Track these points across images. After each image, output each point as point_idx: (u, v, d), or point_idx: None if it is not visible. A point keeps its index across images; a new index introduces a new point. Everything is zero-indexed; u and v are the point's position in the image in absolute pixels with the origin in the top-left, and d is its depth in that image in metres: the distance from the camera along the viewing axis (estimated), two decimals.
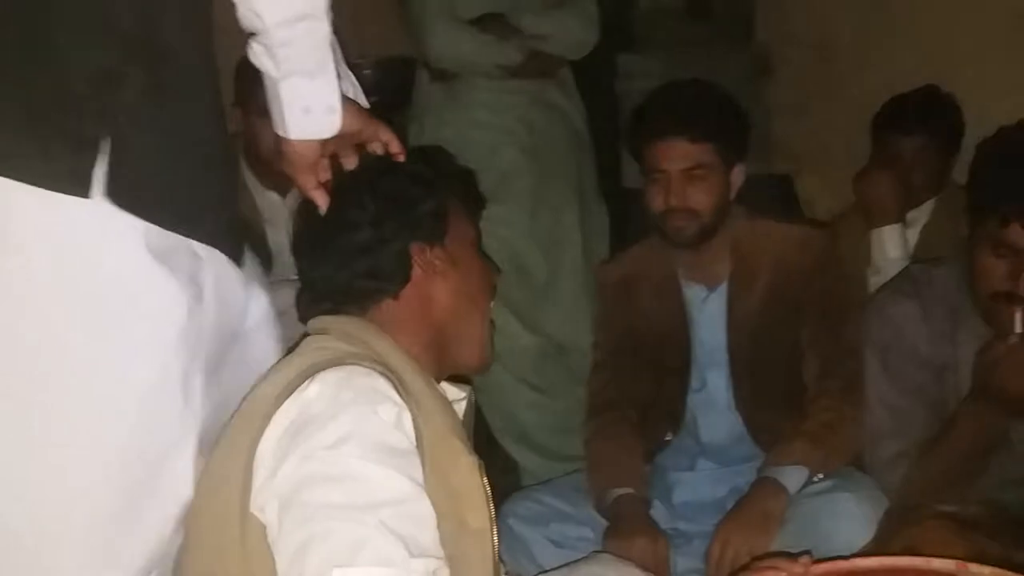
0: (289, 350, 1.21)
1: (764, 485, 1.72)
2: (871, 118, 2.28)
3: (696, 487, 1.90)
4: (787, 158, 3.10)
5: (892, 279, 1.83)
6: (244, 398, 1.13)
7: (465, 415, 1.25)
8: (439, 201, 1.22)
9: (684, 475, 1.92)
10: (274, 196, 2.37)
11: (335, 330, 1.17)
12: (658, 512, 1.83)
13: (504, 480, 2.40)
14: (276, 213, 2.37)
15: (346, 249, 1.19)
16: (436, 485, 1.05)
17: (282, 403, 1.05)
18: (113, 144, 1.01)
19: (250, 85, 2.15)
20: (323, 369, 1.06)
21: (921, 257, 2.13)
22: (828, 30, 2.96)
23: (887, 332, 1.68)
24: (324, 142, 1.16)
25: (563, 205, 2.58)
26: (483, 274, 1.28)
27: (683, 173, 1.78)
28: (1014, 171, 1.48)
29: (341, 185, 1.22)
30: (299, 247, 1.26)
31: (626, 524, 1.74)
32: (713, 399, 1.92)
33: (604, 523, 1.79)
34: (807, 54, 3.04)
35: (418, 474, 1.03)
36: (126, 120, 1.02)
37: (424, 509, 1.01)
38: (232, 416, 1.13)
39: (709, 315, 1.89)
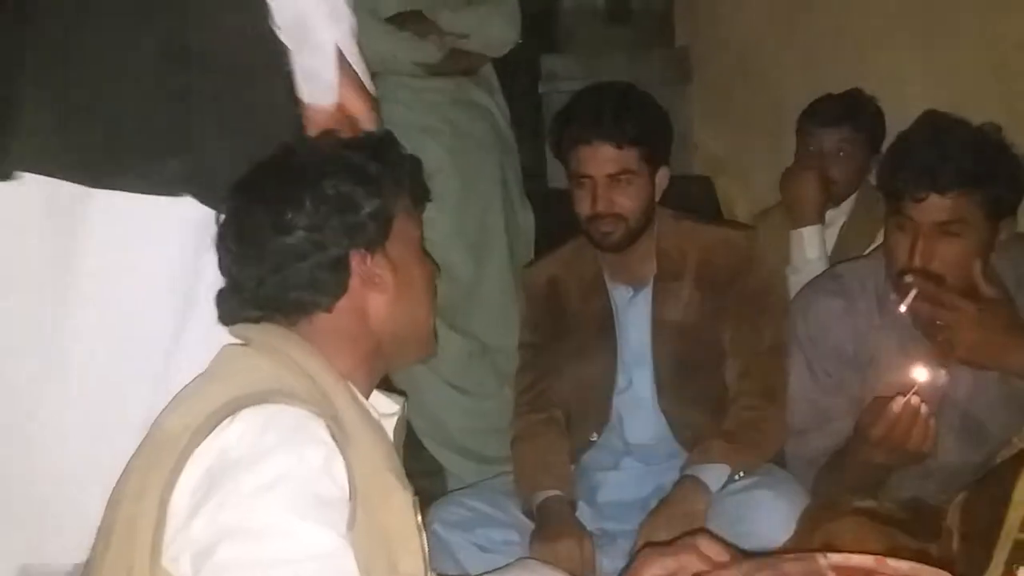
0: None
1: (686, 484, 1.74)
2: (788, 123, 2.34)
3: (621, 486, 1.91)
4: (707, 161, 3.16)
5: (818, 277, 1.85)
6: (155, 423, 1.05)
7: (396, 429, 1.19)
8: (385, 203, 1.13)
9: (609, 474, 1.92)
10: None
11: (260, 344, 1.08)
12: (583, 513, 1.84)
13: (429, 484, 2.38)
14: None
15: (278, 253, 1.08)
16: (367, 528, 0.99)
17: (200, 441, 0.96)
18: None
19: None
20: (247, 405, 0.97)
21: (841, 255, 2.18)
22: (747, 37, 3.02)
23: (812, 330, 1.71)
24: (333, 116, 1.27)
25: (488, 205, 2.56)
26: (426, 276, 1.21)
27: (609, 178, 1.79)
28: (915, 147, 1.55)
29: (282, 178, 1.12)
30: (225, 241, 1.13)
31: (552, 526, 1.74)
32: (639, 398, 1.93)
33: (530, 526, 1.78)
34: (726, 60, 3.10)
35: (343, 525, 0.96)
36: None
37: (348, 565, 0.94)
38: (142, 444, 1.04)
39: (635, 315, 1.91)
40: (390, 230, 1.14)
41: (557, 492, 1.79)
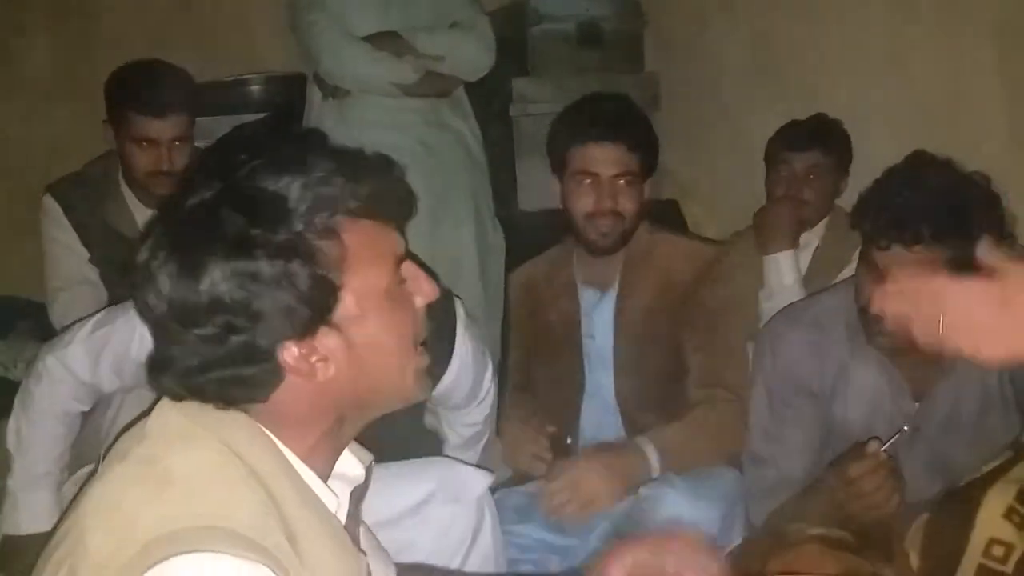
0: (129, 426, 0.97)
1: (635, 451, 1.78)
2: (755, 148, 2.38)
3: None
4: (675, 185, 3.19)
5: (790, 308, 1.86)
6: (79, 510, 0.89)
7: (355, 495, 1.02)
8: (326, 267, 0.89)
9: None
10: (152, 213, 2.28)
11: (201, 431, 0.90)
12: (534, 526, 1.84)
13: None
14: None
15: (192, 343, 0.89)
16: None
17: None
18: None
19: (119, 109, 2.14)
20: (180, 551, 0.81)
21: (813, 279, 2.22)
22: (714, 63, 3.07)
23: (779, 362, 1.72)
24: None
25: (460, 227, 2.56)
26: (401, 324, 0.97)
27: (614, 178, 1.85)
28: (892, 196, 1.56)
29: (181, 249, 0.88)
30: (138, 303, 0.92)
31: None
32: (603, 400, 1.97)
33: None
34: (694, 86, 3.14)
35: None
36: None
37: None
38: (57, 540, 0.89)
39: (600, 318, 1.96)
40: (335, 299, 0.91)
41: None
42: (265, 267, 0.87)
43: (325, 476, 0.98)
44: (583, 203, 1.87)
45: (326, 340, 0.92)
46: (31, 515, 1.71)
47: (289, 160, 0.92)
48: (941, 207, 1.49)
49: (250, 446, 0.91)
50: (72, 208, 2.25)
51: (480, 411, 1.88)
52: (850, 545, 1.55)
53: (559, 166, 1.92)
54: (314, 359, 0.92)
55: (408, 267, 0.99)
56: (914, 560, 1.56)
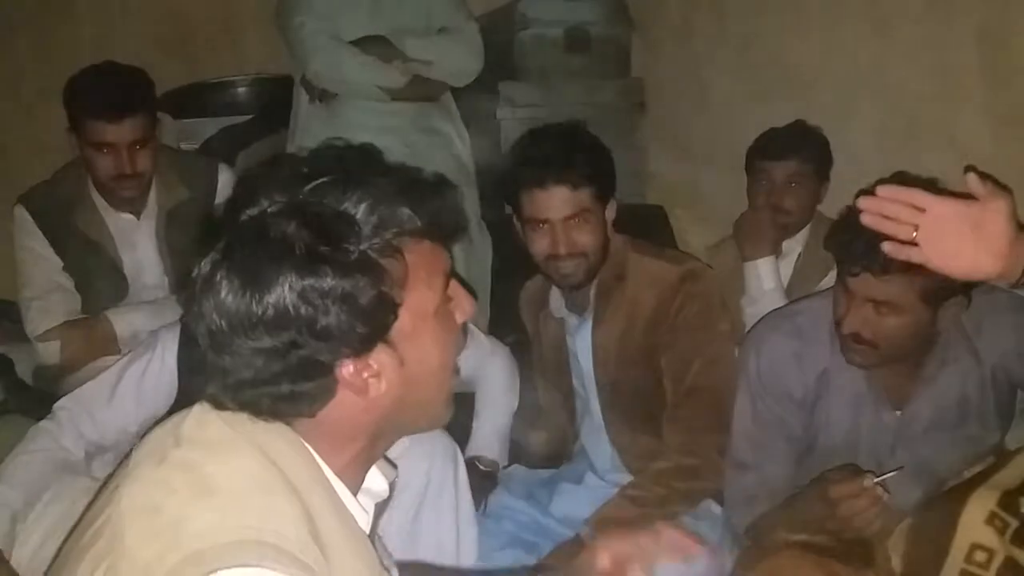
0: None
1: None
2: (741, 154, 2.39)
3: (578, 500, 1.92)
4: (661, 190, 3.20)
5: (774, 315, 1.86)
6: (87, 517, 0.90)
7: (379, 505, 1.04)
8: (389, 285, 0.90)
9: (569, 486, 1.97)
10: (127, 217, 2.28)
11: (243, 441, 0.90)
12: (526, 515, 1.88)
13: None
14: (130, 234, 2.29)
15: (249, 356, 0.89)
16: None
17: None
18: None
19: (77, 115, 2.13)
20: (225, 566, 0.81)
21: (797, 286, 2.23)
22: (699, 69, 3.08)
23: (762, 368, 1.72)
24: None
25: None
26: (447, 342, 0.98)
27: (566, 220, 1.79)
28: (853, 220, 1.49)
29: (246, 267, 0.88)
30: (197, 329, 0.93)
31: None
32: (595, 424, 1.97)
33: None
34: (680, 91, 3.16)
35: None
36: None
37: None
38: (95, 533, 0.90)
39: (581, 343, 1.94)
40: (395, 316, 0.92)
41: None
42: (333, 284, 0.88)
43: (355, 491, 0.99)
44: (540, 247, 1.81)
45: (380, 356, 0.93)
46: None
47: (354, 179, 0.92)
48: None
49: (288, 458, 0.91)
50: (43, 216, 2.24)
51: (495, 361, 2.02)
52: (832, 550, 1.56)
53: (514, 209, 1.85)
54: (367, 375, 0.92)
55: (452, 285, 1.01)
56: (896, 565, 1.57)
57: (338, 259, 0.88)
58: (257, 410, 0.92)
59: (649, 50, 3.29)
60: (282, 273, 0.87)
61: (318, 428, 0.94)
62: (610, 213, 1.87)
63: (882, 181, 1.38)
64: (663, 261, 1.91)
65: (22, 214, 2.26)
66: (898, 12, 2.34)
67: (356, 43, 2.50)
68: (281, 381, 0.90)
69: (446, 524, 1.68)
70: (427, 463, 1.66)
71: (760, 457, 1.72)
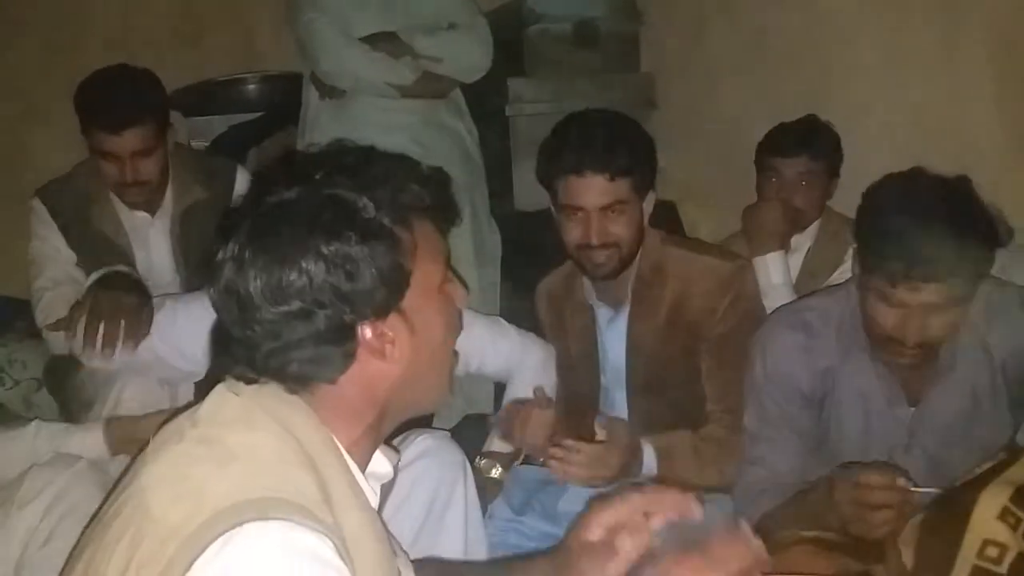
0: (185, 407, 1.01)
1: (638, 447, 1.77)
2: (751, 150, 2.38)
3: (585, 498, 1.91)
4: (671, 186, 3.19)
5: (784, 309, 1.85)
6: (137, 485, 0.92)
7: (384, 487, 1.09)
8: (398, 256, 0.97)
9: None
10: (141, 215, 2.29)
11: (261, 415, 0.95)
12: (535, 516, 1.86)
13: None
14: (144, 232, 2.30)
15: (275, 322, 0.95)
16: None
17: (198, 553, 0.84)
18: None
19: (83, 123, 2.13)
20: (251, 519, 0.85)
21: (806, 282, 2.21)
22: (709, 64, 3.07)
23: (770, 362, 1.71)
24: None
25: (456, 228, 2.57)
26: (449, 320, 1.05)
27: (602, 210, 1.76)
28: (899, 230, 1.48)
29: (273, 234, 0.95)
30: (221, 299, 0.98)
31: None
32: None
33: None
34: (690, 86, 3.15)
35: None
36: None
37: None
38: (118, 506, 0.93)
39: (614, 336, 1.92)
40: (408, 283, 0.98)
41: None
42: (356, 249, 0.95)
43: (363, 470, 1.04)
44: (573, 236, 1.80)
45: (395, 323, 0.99)
46: None
47: (362, 167, 1.00)
48: (950, 244, 1.44)
49: (306, 430, 0.96)
50: (59, 211, 2.25)
51: (529, 359, 1.98)
52: (843, 546, 1.55)
53: (551, 195, 1.84)
54: (386, 339, 0.98)
55: (453, 278, 1.07)
56: (908, 560, 1.56)
57: (359, 226, 0.95)
58: (283, 376, 0.97)
59: (659, 45, 3.28)
60: (309, 241, 0.94)
61: (336, 398, 0.99)
62: (647, 206, 1.85)
63: (892, 175, 1.38)
64: (711, 255, 1.90)
65: (38, 206, 2.27)
66: (910, 9, 2.33)
67: (366, 40, 2.51)
68: (307, 344, 0.95)
69: (452, 541, 1.64)
70: (435, 479, 1.62)
71: (768, 451, 1.71)
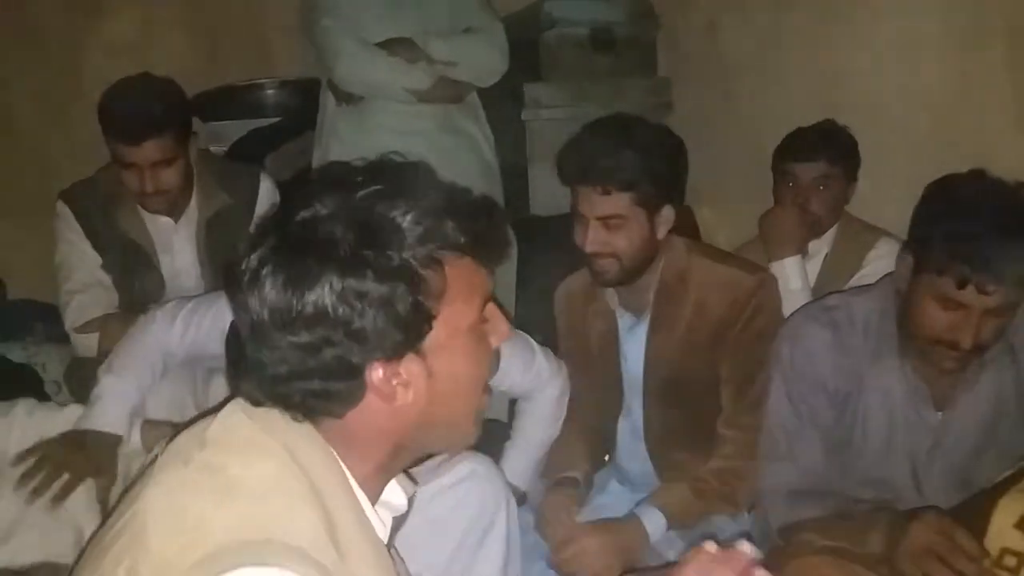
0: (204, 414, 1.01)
1: (631, 521, 1.75)
2: (768, 154, 2.37)
3: (602, 508, 1.91)
4: (688, 190, 3.18)
5: (810, 306, 1.83)
6: (141, 508, 0.91)
7: (397, 520, 1.06)
8: (426, 295, 0.93)
9: (595, 496, 1.95)
10: (164, 219, 2.30)
11: (270, 441, 0.93)
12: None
13: None
14: (168, 237, 2.31)
15: (285, 350, 0.93)
16: None
17: None
18: None
19: (104, 132, 2.14)
20: (244, 564, 0.84)
21: (824, 287, 2.18)
22: (726, 68, 3.07)
23: (797, 357, 1.69)
24: None
25: None
26: (478, 361, 1.00)
27: (600, 220, 1.75)
28: (970, 233, 1.45)
29: (291, 263, 0.92)
30: (238, 320, 0.97)
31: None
32: (634, 427, 1.94)
33: None
34: (707, 91, 3.14)
35: None
36: None
37: None
38: (117, 532, 0.92)
39: (634, 344, 1.90)
40: (428, 328, 0.94)
41: (568, 474, 1.88)
42: (371, 287, 0.90)
43: (374, 501, 1.01)
44: (578, 240, 1.79)
45: (411, 365, 0.95)
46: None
47: (404, 190, 0.95)
48: (1019, 249, 1.43)
49: (315, 461, 0.93)
50: (84, 214, 2.26)
51: (548, 390, 1.95)
52: (860, 556, 1.54)
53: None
54: (395, 382, 0.95)
55: (490, 307, 1.02)
56: None
57: (380, 264, 0.91)
58: (288, 404, 0.95)
59: (675, 49, 3.28)
60: (324, 272, 0.90)
61: (344, 432, 0.96)
62: (662, 218, 1.78)
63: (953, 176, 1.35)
64: (734, 267, 1.86)
65: (63, 209, 2.28)
66: (926, 9, 2.31)
67: (381, 45, 2.51)
68: (313, 377, 0.92)
69: (489, 573, 1.62)
70: (476, 505, 1.60)
71: (795, 447, 1.69)
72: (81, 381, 2.27)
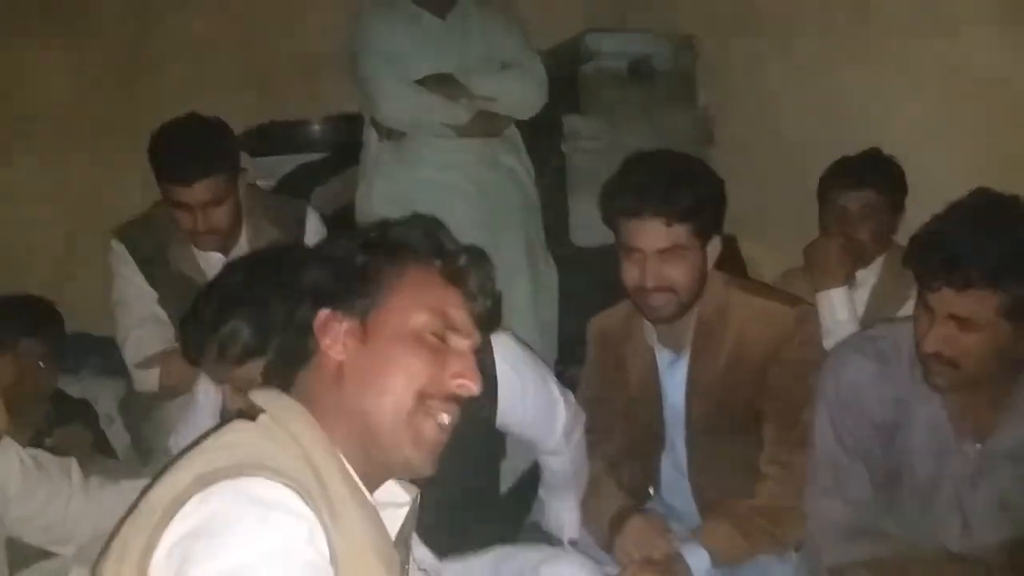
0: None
1: (681, 567, 1.71)
2: (812, 183, 2.35)
3: None
4: (731, 220, 3.16)
5: (854, 337, 1.81)
6: (144, 490, 1.03)
7: (405, 522, 1.13)
8: (374, 264, 1.09)
9: None
10: (215, 256, 2.33)
11: (274, 428, 1.04)
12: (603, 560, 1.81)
13: None
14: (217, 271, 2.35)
15: (252, 305, 1.22)
16: None
17: (176, 511, 0.94)
18: None
19: (155, 174, 2.18)
20: (223, 478, 0.95)
21: (872, 317, 2.16)
22: (767, 97, 3.06)
23: (842, 390, 1.68)
24: None
25: (513, 265, 2.58)
26: (408, 365, 1.08)
27: (659, 253, 1.72)
28: (936, 235, 1.50)
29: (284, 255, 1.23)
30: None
31: (621, 518, 1.80)
32: (676, 461, 1.92)
33: None
34: (748, 120, 3.13)
35: None
36: None
37: None
38: (130, 509, 1.03)
39: (675, 380, 1.88)
40: (376, 297, 1.08)
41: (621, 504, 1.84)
42: (332, 250, 1.12)
43: (368, 487, 1.10)
44: (630, 277, 1.76)
45: (351, 324, 1.08)
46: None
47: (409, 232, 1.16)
48: (995, 251, 1.43)
49: (305, 431, 1.04)
50: (138, 250, 2.31)
51: (561, 441, 1.85)
52: None
53: (614, 233, 1.80)
54: (338, 332, 1.08)
55: (466, 350, 1.12)
56: None
57: (352, 235, 1.13)
58: (270, 370, 1.13)
59: (714, 79, 3.28)
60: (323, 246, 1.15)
61: (311, 390, 1.08)
62: (712, 251, 1.79)
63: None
64: (773, 300, 1.85)
65: (118, 247, 2.32)
66: (970, 39, 2.29)
67: (422, 81, 2.56)
68: (276, 324, 1.13)
69: None
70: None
71: (844, 482, 1.67)
72: (135, 415, 2.31)
